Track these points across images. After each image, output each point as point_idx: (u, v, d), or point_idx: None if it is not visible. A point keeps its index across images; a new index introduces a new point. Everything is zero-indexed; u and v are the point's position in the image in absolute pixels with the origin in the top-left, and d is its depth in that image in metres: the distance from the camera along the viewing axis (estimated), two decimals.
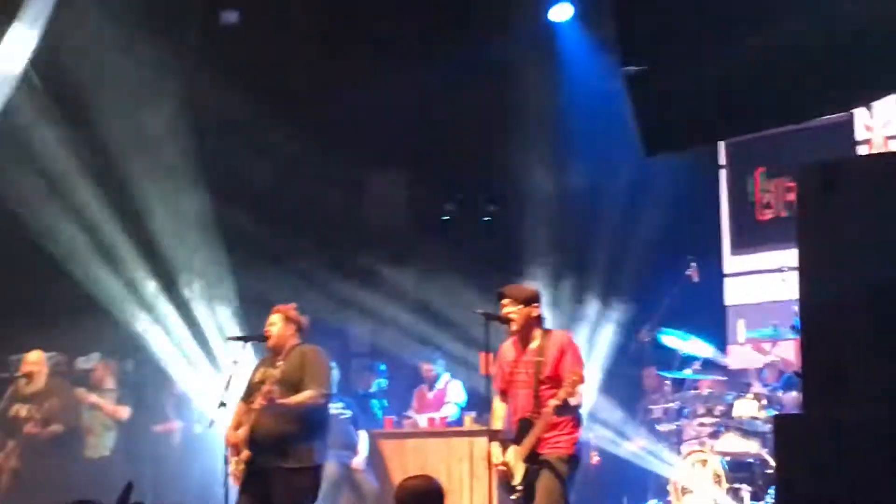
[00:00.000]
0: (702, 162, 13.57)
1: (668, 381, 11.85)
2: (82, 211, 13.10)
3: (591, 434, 11.65)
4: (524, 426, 8.16)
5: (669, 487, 10.69)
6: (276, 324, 8.86)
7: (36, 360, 11.34)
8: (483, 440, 8.42)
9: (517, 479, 8.12)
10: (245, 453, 8.57)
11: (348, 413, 12.04)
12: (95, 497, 4.86)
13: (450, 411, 12.52)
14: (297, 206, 13.98)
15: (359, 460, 12.05)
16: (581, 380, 8.02)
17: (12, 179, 12.80)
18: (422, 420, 12.38)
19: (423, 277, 14.83)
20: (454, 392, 12.73)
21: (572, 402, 8.01)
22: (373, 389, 13.55)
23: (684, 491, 10.56)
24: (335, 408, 11.23)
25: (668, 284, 11.83)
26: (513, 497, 8.21)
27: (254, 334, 9.09)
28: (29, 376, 11.25)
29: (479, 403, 10.49)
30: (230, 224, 13.53)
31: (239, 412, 8.78)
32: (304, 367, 8.69)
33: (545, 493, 7.99)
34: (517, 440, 8.19)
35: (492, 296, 8.50)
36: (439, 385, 12.84)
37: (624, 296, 12.86)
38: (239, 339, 9.15)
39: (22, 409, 11.18)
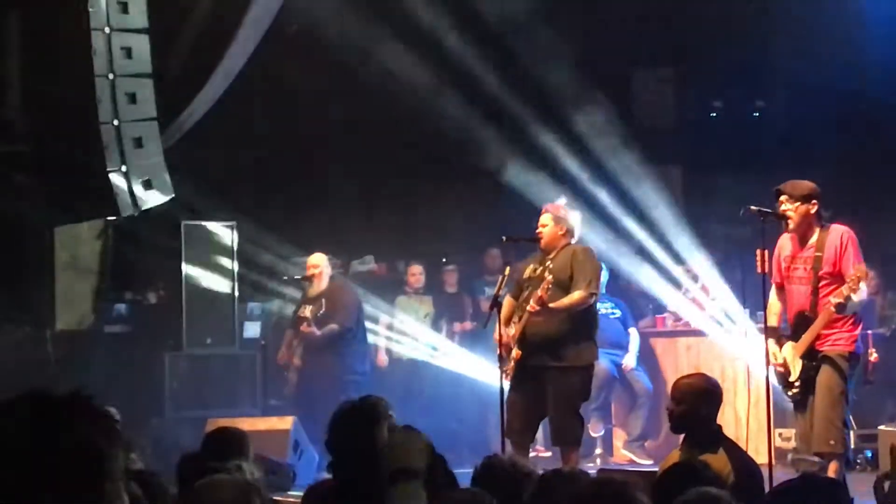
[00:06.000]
0: None
1: None
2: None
3: (868, 332, 11.35)
4: (801, 322, 8.02)
5: None
6: (546, 224, 8.90)
7: (317, 262, 11.64)
8: (758, 338, 8.28)
9: (794, 375, 8.01)
10: (515, 352, 8.70)
11: (618, 312, 12.03)
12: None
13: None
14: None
15: (630, 359, 12.03)
16: (864, 275, 7.81)
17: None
18: None
19: (687, 176, 14.65)
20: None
21: (854, 298, 7.82)
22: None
23: None
24: (604, 307, 11.24)
25: None
26: (790, 393, 8.11)
27: (527, 235, 9.17)
28: (312, 278, 11.59)
29: (754, 301, 10.28)
30: None
31: (508, 309, 8.90)
32: (573, 266, 8.73)
33: (825, 389, 7.85)
34: (794, 336, 8.06)
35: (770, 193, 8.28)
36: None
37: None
38: (512, 239, 9.23)
39: (305, 310, 11.53)
